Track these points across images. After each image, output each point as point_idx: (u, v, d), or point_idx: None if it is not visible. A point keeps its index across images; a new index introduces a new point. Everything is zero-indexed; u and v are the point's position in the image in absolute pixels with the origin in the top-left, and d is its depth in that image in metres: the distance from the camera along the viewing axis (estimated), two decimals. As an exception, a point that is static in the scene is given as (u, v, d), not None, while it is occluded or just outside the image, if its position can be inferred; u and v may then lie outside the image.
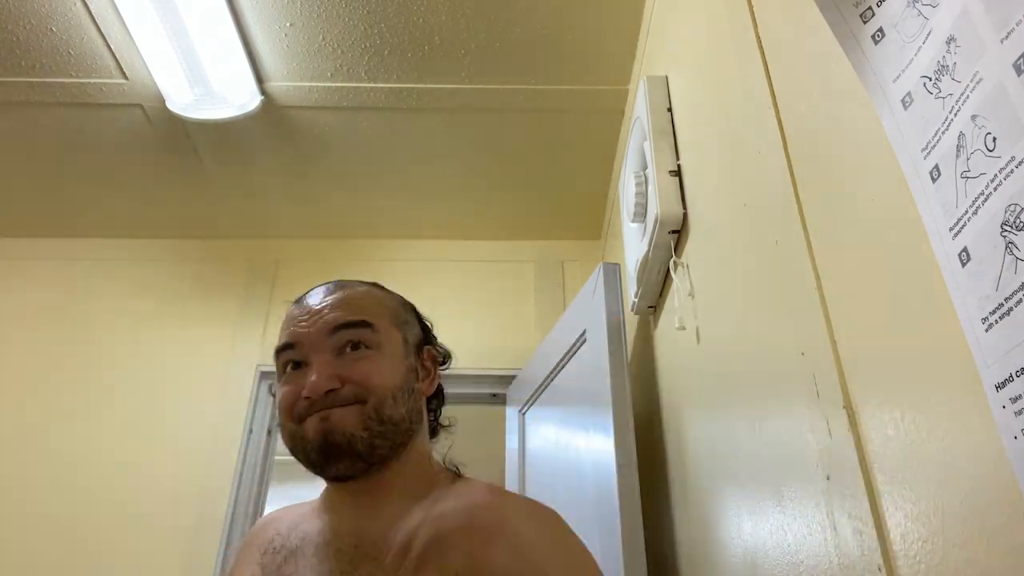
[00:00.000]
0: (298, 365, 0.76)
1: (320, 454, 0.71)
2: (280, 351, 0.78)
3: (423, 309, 0.91)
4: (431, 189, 2.33)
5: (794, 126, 0.81)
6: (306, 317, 0.78)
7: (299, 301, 0.83)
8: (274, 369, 0.80)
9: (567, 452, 1.66)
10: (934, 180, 0.50)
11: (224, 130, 2.04)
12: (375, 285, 0.86)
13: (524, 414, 2.04)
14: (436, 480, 0.78)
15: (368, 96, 1.94)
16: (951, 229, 0.48)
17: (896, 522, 0.58)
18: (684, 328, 1.27)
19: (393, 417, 0.74)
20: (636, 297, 1.51)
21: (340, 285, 0.83)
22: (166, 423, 2.23)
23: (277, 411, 0.77)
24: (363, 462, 0.72)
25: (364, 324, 0.77)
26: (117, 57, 1.80)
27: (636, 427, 1.38)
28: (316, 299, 0.80)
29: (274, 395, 0.81)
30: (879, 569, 0.59)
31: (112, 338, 2.37)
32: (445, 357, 0.89)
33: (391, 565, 0.67)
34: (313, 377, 0.72)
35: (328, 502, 0.79)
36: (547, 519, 0.72)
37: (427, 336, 0.88)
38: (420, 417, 0.80)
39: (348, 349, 0.75)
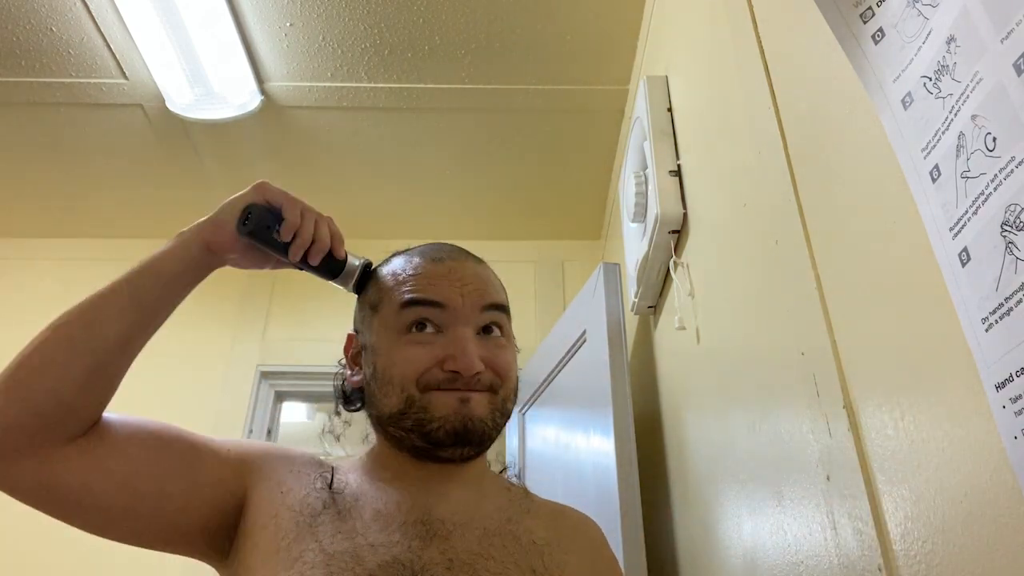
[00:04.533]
0: (423, 326, 0.70)
1: (452, 436, 0.67)
2: (416, 304, 0.69)
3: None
4: (431, 189, 2.33)
5: (794, 126, 0.81)
6: (455, 280, 0.71)
7: (428, 256, 0.75)
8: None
9: (567, 452, 1.66)
10: (934, 180, 0.50)
11: (224, 130, 2.04)
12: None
13: (524, 414, 2.04)
14: (492, 474, 0.78)
15: (368, 96, 1.94)
16: (951, 229, 0.48)
17: (896, 522, 0.58)
18: (684, 328, 1.27)
19: (509, 412, 0.73)
20: (636, 297, 1.51)
21: (471, 255, 0.77)
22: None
23: (381, 366, 0.70)
24: (479, 450, 0.71)
25: (505, 310, 0.74)
26: (117, 57, 1.80)
27: (636, 427, 1.38)
28: (458, 261, 0.74)
29: (364, 347, 0.74)
30: (879, 569, 0.59)
31: (112, 338, 2.37)
32: None
33: (487, 545, 0.66)
34: (462, 353, 0.67)
35: (386, 471, 0.72)
36: None
37: None
38: None
39: (484, 332, 0.72)
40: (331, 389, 0.81)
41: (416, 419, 0.67)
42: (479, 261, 0.77)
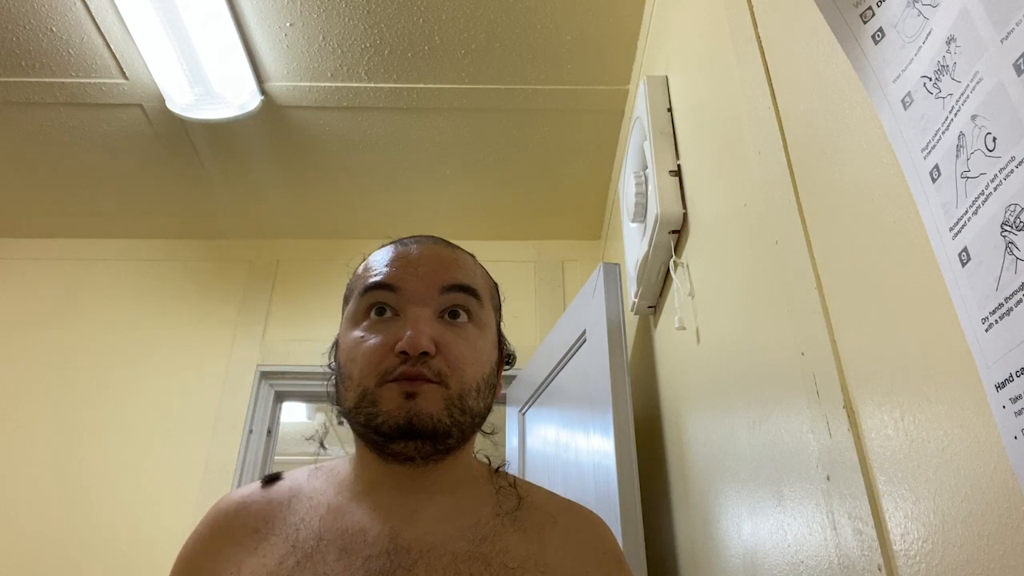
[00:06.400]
0: (383, 311, 0.67)
1: (397, 431, 0.63)
2: (372, 288, 0.67)
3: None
4: (431, 189, 2.33)
5: (794, 126, 0.81)
6: (412, 262, 0.68)
7: (398, 242, 0.73)
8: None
9: (567, 452, 1.66)
10: (934, 180, 0.50)
11: (224, 130, 2.04)
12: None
13: (524, 414, 2.04)
14: (478, 478, 0.72)
15: (368, 96, 1.94)
16: (951, 229, 0.48)
17: (896, 522, 0.58)
18: (684, 328, 1.27)
19: (473, 409, 0.67)
20: (636, 297, 1.51)
21: (445, 242, 0.73)
22: (166, 423, 2.23)
23: (343, 361, 0.68)
24: (434, 448, 0.65)
25: (474, 292, 0.69)
26: (117, 57, 1.80)
27: (636, 427, 1.38)
28: (423, 246, 0.71)
29: (335, 344, 0.72)
30: (879, 569, 0.59)
31: (112, 338, 2.37)
32: (510, 356, 0.79)
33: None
34: (410, 332, 0.63)
35: (359, 482, 0.69)
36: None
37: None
38: (488, 414, 0.71)
39: (449, 315, 0.67)
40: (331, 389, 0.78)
41: (367, 413, 0.64)
42: (454, 248, 0.73)
